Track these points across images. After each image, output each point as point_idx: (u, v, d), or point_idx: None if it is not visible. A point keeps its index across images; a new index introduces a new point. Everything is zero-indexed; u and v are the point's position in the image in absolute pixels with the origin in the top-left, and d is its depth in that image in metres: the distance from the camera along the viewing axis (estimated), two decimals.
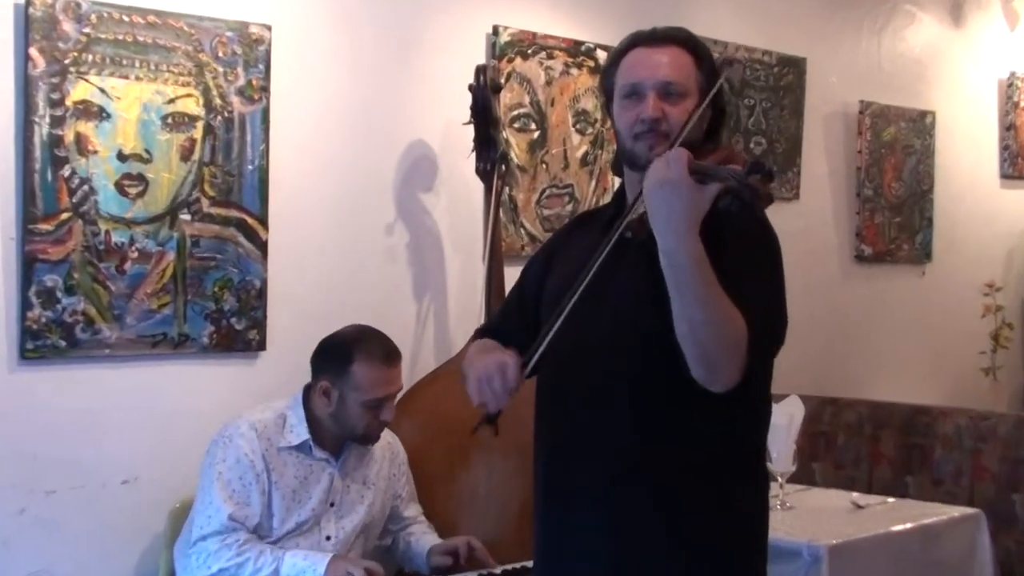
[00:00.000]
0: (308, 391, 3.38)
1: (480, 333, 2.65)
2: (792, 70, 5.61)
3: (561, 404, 2.39)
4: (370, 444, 3.42)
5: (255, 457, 3.25)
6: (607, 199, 4.45)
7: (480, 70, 4.01)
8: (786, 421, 3.87)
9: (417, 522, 3.61)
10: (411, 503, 3.62)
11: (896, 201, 6.17)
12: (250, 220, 3.76)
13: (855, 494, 4.20)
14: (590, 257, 2.23)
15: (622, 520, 2.29)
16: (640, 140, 2.32)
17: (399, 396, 3.44)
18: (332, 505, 3.36)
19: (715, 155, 2.19)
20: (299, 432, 3.32)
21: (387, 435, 3.50)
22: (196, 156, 3.65)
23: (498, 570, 3.45)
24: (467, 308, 4.26)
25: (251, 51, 3.75)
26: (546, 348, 2.23)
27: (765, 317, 2.20)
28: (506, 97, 4.39)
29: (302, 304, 3.92)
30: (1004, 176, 6.79)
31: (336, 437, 3.36)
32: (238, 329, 3.76)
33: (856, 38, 6.02)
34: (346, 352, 3.31)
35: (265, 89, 3.78)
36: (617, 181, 2.56)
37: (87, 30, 3.45)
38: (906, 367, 6.21)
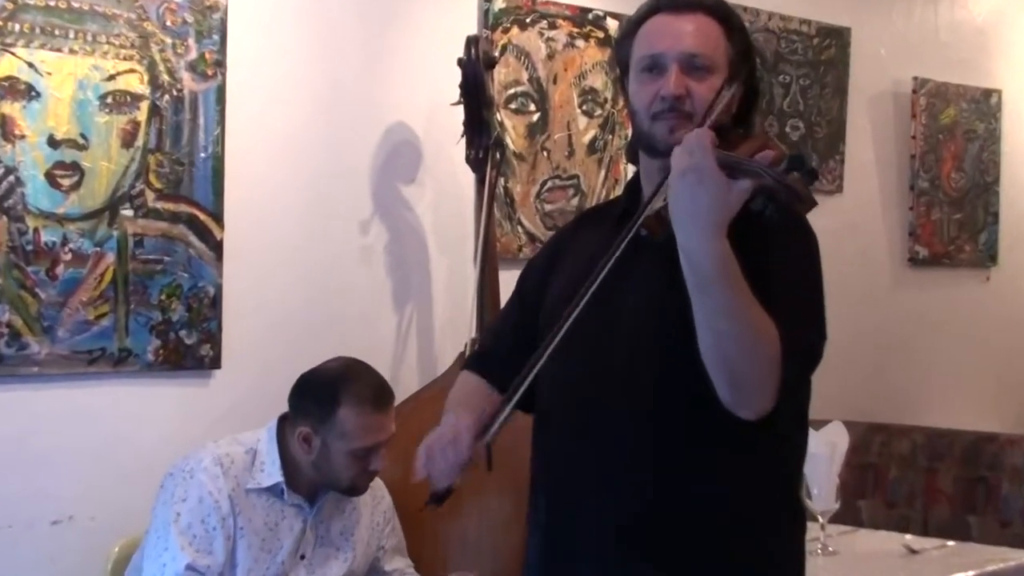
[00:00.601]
0: (283, 424, 3.37)
1: (470, 362, 2.67)
2: (835, 42, 5.63)
3: (563, 431, 2.40)
4: (357, 495, 3.42)
5: (220, 497, 3.22)
6: (619, 192, 4.47)
7: (471, 42, 4.02)
8: (828, 451, 3.88)
9: (404, 575, 3.61)
10: (396, 556, 3.61)
11: (956, 194, 6.19)
12: (203, 216, 3.77)
13: (908, 536, 4.21)
14: (598, 260, 2.24)
15: (634, 554, 2.30)
16: (659, 121, 2.31)
17: None
18: (303, 558, 3.36)
19: (747, 144, 2.18)
20: (271, 473, 3.30)
21: None
22: (140, 142, 3.66)
23: None
24: (455, 319, 4.27)
25: (204, 20, 3.75)
26: (530, 385, 2.25)
27: (801, 330, 2.20)
28: (501, 73, 4.41)
29: (263, 315, 3.93)
30: None
31: (314, 483, 3.36)
32: (188, 344, 3.76)
33: (909, 5, 6.03)
34: (331, 394, 3.29)
35: (220, 64, 3.79)
36: (631, 171, 2.56)
37: None
38: (968, 388, 6.22)
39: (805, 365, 2.26)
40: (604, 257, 2.22)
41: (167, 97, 3.70)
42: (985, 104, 6.30)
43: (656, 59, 2.34)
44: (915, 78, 6.00)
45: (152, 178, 3.68)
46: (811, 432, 2.48)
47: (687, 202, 2.09)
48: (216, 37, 3.78)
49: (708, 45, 2.34)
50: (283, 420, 3.36)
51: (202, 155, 3.76)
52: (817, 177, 2.04)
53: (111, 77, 3.61)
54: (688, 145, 2.12)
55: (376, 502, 3.54)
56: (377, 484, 3.54)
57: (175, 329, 3.73)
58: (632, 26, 2.44)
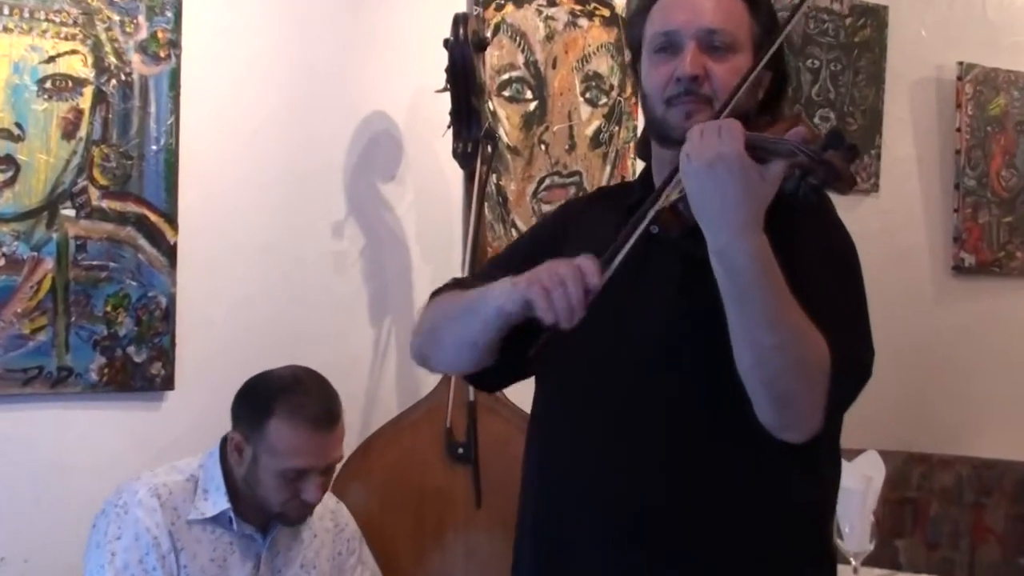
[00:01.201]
0: (226, 445, 3.36)
1: (444, 286, 2.62)
2: (870, 22, 5.63)
3: (563, 440, 2.41)
4: (290, 526, 3.39)
5: (159, 533, 3.21)
6: None
7: (459, 20, 4.00)
8: (862, 485, 3.86)
9: None
10: None
11: (1006, 195, 6.18)
12: (154, 217, 3.75)
13: None
14: (608, 246, 2.21)
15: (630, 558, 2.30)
16: (674, 106, 2.32)
17: (343, 460, 3.42)
18: None
19: (775, 127, 2.18)
20: (216, 500, 3.29)
21: (329, 500, 3.49)
22: (83, 132, 3.64)
23: None
24: None
25: None
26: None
27: (849, 339, 2.19)
28: (493, 56, 4.40)
29: (222, 329, 3.91)
30: None
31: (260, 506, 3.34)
32: (137, 362, 3.74)
33: None
34: (265, 401, 3.29)
35: (175, 44, 3.77)
36: (640, 167, 2.56)
37: None
38: (1021, 413, 6.20)
39: (857, 380, 2.25)
40: (614, 246, 2.20)
41: (114, 82, 3.68)
42: None
43: (671, 36, 2.35)
44: (960, 63, 6.00)
45: (97, 173, 3.66)
46: (843, 464, 2.47)
47: (716, 197, 2.07)
48: (170, 14, 3.76)
49: (730, 21, 2.34)
50: (226, 441, 3.35)
51: (153, 148, 3.75)
52: (858, 154, 2.03)
53: (51, 59, 3.59)
54: (714, 129, 2.10)
55: (339, 529, 3.54)
56: (340, 511, 3.55)
57: (122, 345, 3.71)
58: (645, 1, 2.44)
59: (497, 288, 2.28)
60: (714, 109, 2.26)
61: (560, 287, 2.13)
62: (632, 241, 2.18)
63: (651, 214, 2.20)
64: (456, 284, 2.59)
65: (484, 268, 2.82)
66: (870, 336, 2.28)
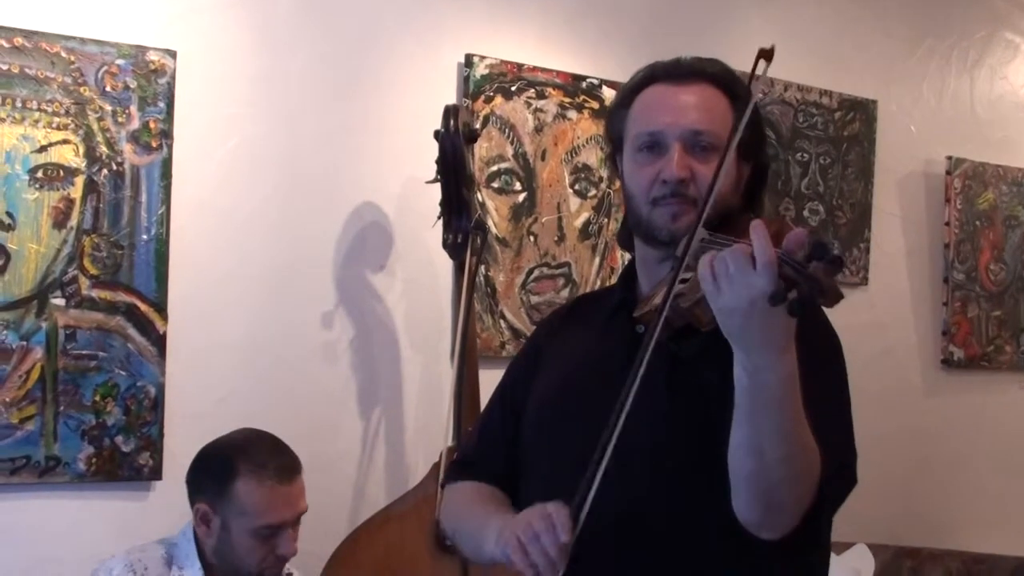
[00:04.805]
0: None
1: (455, 470, 2.66)
2: (859, 116, 5.67)
3: None
4: None
5: None
6: (615, 281, 4.46)
7: (449, 112, 4.02)
8: None
9: None
10: None
11: (995, 288, 6.20)
12: (143, 307, 3.77)
13: None
14: (590, 360, 2.21)
15: None
16: (660, 206, 2.33)
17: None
18: None
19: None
20: (191, 573, 3.31)
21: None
22: (74, 222, 3.67)
23: None
24: (429, 425, 4.26)
25: (149, 85, 3.77)
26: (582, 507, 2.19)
27: (838, 450, 2.18)
28: (482, 148, 4.44)
29: (210, 419, 3.88)
30: None
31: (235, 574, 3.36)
32: (126, 451, 3.75)
33: (942, 75, 6.08)
34: (227, 465, 3.32)
35: (166, 134, 3.80)
36: (628, 258, 2.56)
37: None
38: (1010, 507, 6.19)
39: (847, 486, 2.25)
40: (628, 381, 2.14)
41: (105, 171, 3.71)
42: None
43: (655, 137, 2.35)
44: (949, 157, 6.03)
45: (87, 263, 3.68)
46: (832, 557, 2.47)
47: (760, 330, 2.00)
48: (162, 104, 3.79)
49: (714, 121, 2.35)
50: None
51: (144, 237, 3.77)
52: (843, 266, 1.97)
53: (42, 148, 3.62)
54: (741, 261, 1.99)
55: None
56: None
57: (110, 434, 3.72)
58: (626, 96, 2.44)
59: (491, 533, 2.30)
60: (696, 209, 2.24)
61: (535, 543, 2.14)
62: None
63: (641, 371, 2.15)
64: (460, 469, 2.65)
65: (476, 430, 2.77)
66: (854, 440, 2.27)
